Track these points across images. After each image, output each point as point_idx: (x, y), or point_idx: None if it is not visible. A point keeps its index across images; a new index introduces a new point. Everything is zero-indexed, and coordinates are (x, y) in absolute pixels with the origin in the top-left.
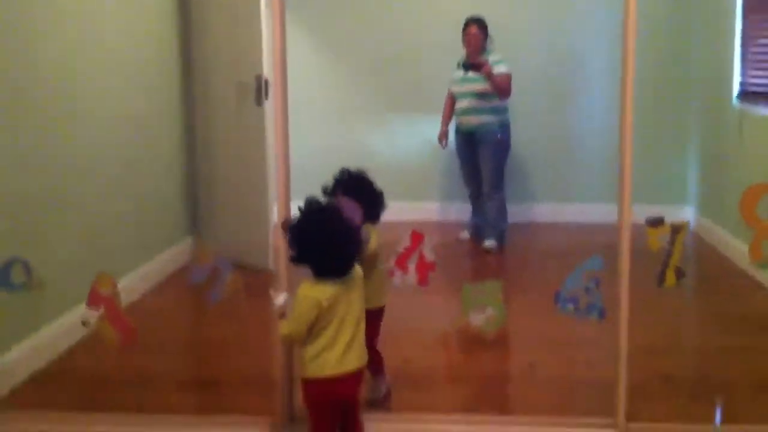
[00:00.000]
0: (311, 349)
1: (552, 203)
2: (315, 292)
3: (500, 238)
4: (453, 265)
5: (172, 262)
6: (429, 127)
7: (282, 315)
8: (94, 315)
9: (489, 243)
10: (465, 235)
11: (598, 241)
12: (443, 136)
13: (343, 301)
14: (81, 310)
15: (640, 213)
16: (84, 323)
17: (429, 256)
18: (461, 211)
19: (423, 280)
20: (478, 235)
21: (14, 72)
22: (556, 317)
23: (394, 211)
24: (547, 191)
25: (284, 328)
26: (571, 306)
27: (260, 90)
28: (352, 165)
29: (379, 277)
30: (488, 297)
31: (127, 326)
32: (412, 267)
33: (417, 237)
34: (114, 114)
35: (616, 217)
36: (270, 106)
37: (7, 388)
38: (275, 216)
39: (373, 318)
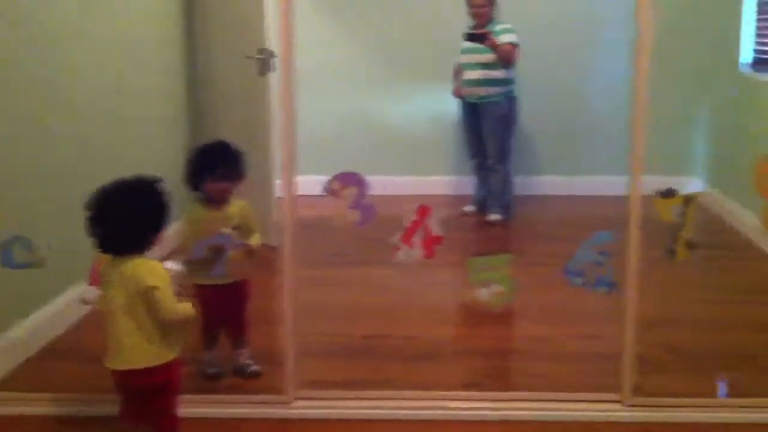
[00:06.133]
0: None
1: (559, 175)
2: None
3: (505, 211)
4: (458, 239)
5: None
6: (436, 100)
7: None
8: (94, 293)
9: (493, 215)
10: (470, 208)
11: (605, 213)
12: (458, 91)
13: (108, 285)
14: (82, 289)
15: (647, 185)
16: (84, 302)
17: (436, 229)
18: (469, 184)
19: (429, 254)
20: (483, 207)
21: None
22: (565, 290)
23: (400, 186)
24: (554, 163)
25: None
26: (579, 279)
27: (264, 62)
28: (360, 139)
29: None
30: (495, 271)
31: None
32: (417, 241)
33: (424, 211)
34: (114, 90)
35: (624, 190)
36: (275, 79)
37: (7, 368)
38: (278, 190)
39: (235, 292)
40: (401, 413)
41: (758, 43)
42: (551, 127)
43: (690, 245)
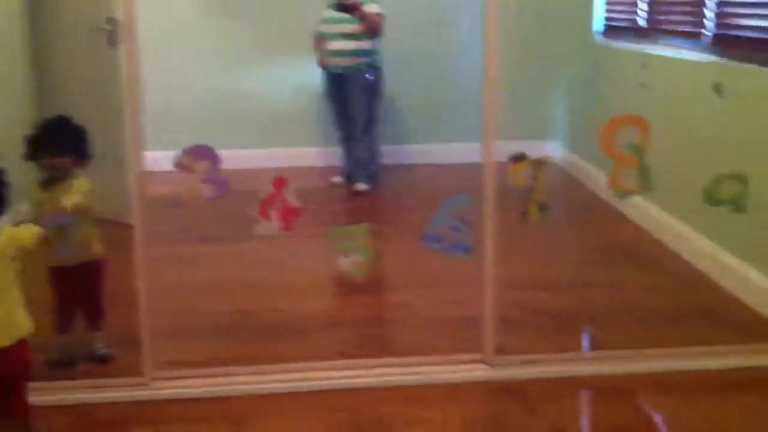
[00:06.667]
0: None
1: (425, 144)
2: None
3: (372, 180)
4: (325, 210)
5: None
6: (298, 71)
7: None
8: None
9: (360, 185)
10: (338, 179)
11: (470, 180)
12: (322, 62)
13: None
14: None
15: (508, 150)
16: None
17: (293, 201)
18: (336, 155)
19: (287, 226)
20: (350, 178)
21: None
22: (429, 258)
23: (266, 158)
24: (420, 132)
25: None
26: (436, 245)
27: (113, 33)
28: (220, 112)
29: (87, 230)
30: (355, 241)
31: None
32: (275, 213)
33: (280, 182)
34: None
35: None
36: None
37: None
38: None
39: (86, 272)
40: (265, 387)
41: (608, 11)
42: (416, 97)
43: (542, 207)
